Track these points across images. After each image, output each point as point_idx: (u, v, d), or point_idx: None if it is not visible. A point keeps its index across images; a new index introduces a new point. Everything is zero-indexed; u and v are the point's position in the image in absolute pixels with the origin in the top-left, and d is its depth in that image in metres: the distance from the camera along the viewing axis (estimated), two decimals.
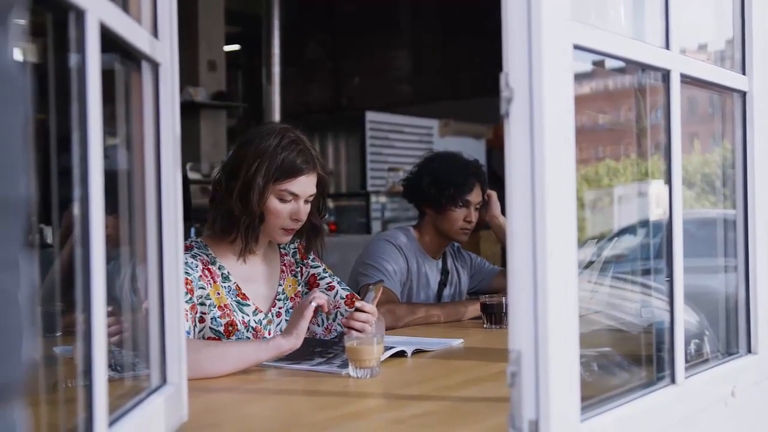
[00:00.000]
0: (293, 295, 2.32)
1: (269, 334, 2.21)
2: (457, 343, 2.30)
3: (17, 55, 0.57)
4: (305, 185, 2.16)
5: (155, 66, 1.31)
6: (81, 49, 0.96)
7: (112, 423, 1.06)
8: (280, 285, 2.30)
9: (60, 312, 1.78)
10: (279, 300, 2.28)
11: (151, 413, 1.23)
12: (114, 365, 1.35)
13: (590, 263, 1.93)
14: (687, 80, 1.53)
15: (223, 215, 2.16)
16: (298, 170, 2.13)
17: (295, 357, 2.00)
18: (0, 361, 0.53)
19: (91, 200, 0.97)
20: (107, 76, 1.04)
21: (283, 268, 2.33)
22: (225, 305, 2.14)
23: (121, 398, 1.21)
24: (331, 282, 2.34)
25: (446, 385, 1.79)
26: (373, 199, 7.34)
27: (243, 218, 2.12)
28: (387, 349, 1.99)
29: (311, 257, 2.38)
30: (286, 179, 2.13)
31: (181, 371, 1.36)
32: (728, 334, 1.80)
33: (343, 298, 2.30)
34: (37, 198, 0.79)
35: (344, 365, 1.87)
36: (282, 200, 2.14)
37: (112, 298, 1.12)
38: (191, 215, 4.26)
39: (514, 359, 1.14)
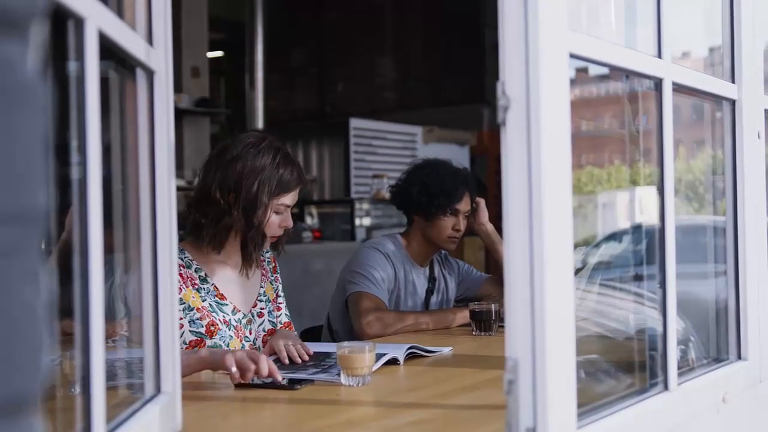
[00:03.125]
0: (272, 299, 2.40)
1: (250, 333, 2.28)
2: (447, 350, 2.30)
3: (36, 65, 0.56)
4: (296, 196, 2.28)
5: (150, 73, 1.30)
6: (80, 56, 0.95)
7: None
8: (262, 287, 2.37)
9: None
10: (261, 301, 2.35)
11: (147, 423, 1.22)
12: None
13: (577, 270, 1.94)
14: (677, 88, 1.54)
15: (223, 230, 2.20)
16: (295, 185, 2.26)
17: (289, 369, 1.99)
18: (21, 372, 0.53)
19: (90, 208, 0.96)
20: (101, 84, 1.03)
21: (263, 272, 2.41)
22: (202, 307, 2.18)
23: (116, 408, 1.20)
24: (281, 303, 2.45)
25: (439, 393, 1.79)
26: (357, 206, 7.32)
27: (250, 234, 2.20)
28: (379, 357, 1.99)
29: (277, 273, 2.49)
30: (285, 194, 2.23)
31: (175, 381, 1.35)
32: (718, 341, 1.81)
33: (281, 324, 2.40)
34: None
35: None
36: (277, 212, 2.24)
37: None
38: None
39: (511, 367, 1.14)
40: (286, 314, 2.45)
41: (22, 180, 0.53)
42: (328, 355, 2.14)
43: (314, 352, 2.18)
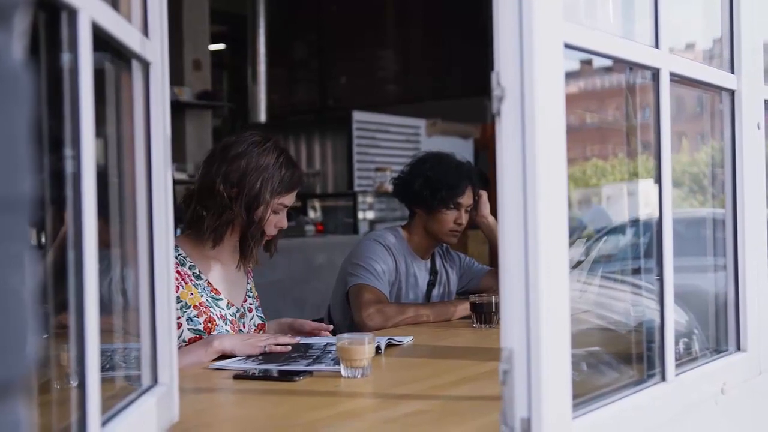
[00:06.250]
0: (255, 297, 2.44)
1: (243, 327, 2.32)
2: (408, 339, 2.31)
3: (21, 54, 0.57)
4: (294, 197, 2.32)
5: (146, 65, 1.30)
6: (73, 48, 0.95)
7: (104, 423, 1.06)
8: (248, 283, 2.42)
9: (48, 313, 1.77)
10: (249, 296, 2.39)
11: (143, 413, 1.22)
12: (103, 365, 1.34)
13: (579, 263, 1.94)
14: (676, 79, 1.53)
15: (224, 224, 2.22)
16: (296, 186, 2.29)
17: (281, 361, 1.99)
18: (6, 358, 0.53)
19: (84, 201, 0.97)
20: (96, 76, 1.03)
21: (249, 269, 2.44)
22: (200, 303, 2.21)
23: (112, 399, 1.20)
24: (257, 303, 2.45)
25: (437, 384, 1.79)
26: (360, 199, 7.33)
27: (250, 230, 2.23)
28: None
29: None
30: (285, 193, 2.26)
31: (172, 372, 1.36)
32: (718, 332, 1.81)
33: (255, 326, 2.39)
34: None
35: (338, 362, 1.86)
36: (275, 212, 2.27)
37: (101, 300, 1.12)
38: (176, 216, 4.27)
39: (506, 357, 1.14)
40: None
41: (5, 168, 0.53)
42: (308, 347, 2.15)
43: (299, 344, 2.19)
